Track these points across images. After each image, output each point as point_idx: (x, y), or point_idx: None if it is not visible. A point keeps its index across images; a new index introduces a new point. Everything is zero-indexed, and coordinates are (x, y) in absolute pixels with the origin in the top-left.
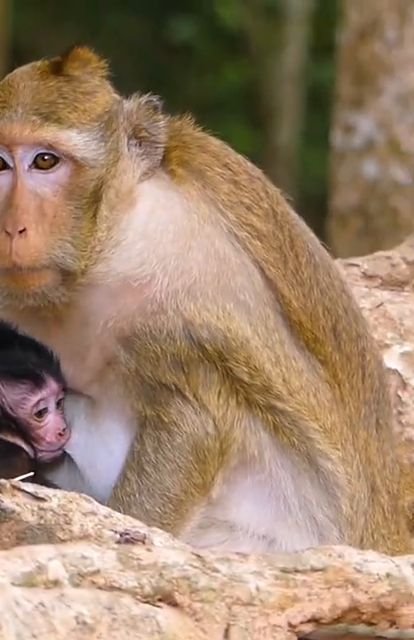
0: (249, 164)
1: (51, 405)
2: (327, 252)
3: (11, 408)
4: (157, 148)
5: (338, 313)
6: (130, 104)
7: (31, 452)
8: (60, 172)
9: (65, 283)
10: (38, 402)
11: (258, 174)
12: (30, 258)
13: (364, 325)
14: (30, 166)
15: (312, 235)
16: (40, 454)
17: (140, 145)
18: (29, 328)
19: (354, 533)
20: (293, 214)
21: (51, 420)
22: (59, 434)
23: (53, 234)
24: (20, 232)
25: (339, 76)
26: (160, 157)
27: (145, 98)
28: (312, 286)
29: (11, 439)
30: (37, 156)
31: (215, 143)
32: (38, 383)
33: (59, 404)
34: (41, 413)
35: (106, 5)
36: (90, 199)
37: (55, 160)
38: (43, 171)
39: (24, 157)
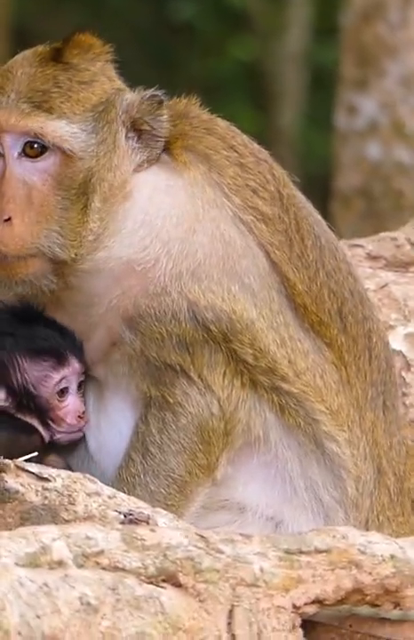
0: (256, 145)
1: (73, 386)
2: (333, 235)
3: (33, 386)
4: (158, 141)
5: (344, 295)
6: (133, 96)
7: (46, 435)
8: (49, 162)
9: (55, 271)
10: (60, 380)
11: (265, 156)
12: (15, 246)
13: (371, 307)
14: (20, 154)
15: (318, 217)
16: (58, 436)
17: (140, 137)
18: None
19: (359, 515)
20: (300, 196)
21: (72, 402)
22: (79, 416)
23: (39, 223)
24: (6, 221)
25: (343, 57)
26: (160, 150)
27: (149, 92)
28: (317, 269)
29: (28, 420)
30: (26, 144)
31: (222, 125)
32: (61, 361)
33: (79, 386)
34: (63, 393)
35: None
36: (79, 190)
37: (43, 149)
38: (31, 159)
39: (13, 145)
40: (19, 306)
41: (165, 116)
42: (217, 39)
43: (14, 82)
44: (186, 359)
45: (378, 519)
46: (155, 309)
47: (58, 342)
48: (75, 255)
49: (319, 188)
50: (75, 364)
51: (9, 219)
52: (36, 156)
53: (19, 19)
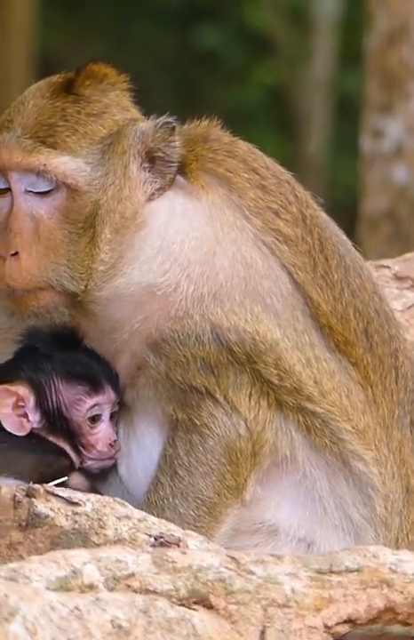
0: (278, 167)
1: (106, 414)
2: (359, 255)
3: (66, 408)
4: (171, 167)
5: (370, 315)
6: (146, 125)
7: (77, 460)
8: (56, 196)
9: (67, 302)
10: (93, 406)
11: (287, 178)
12: (23, 280)
13: (397, 327)
14: (27, 190)
15: (343, 237)
16: (88, 462)
17: (154, 166)
18: None
19: (389, 534)
20: (324, 217)
21: (104, 430)
22: (110, 444)
23: (47, 257)
24: (13, 255)
25: (368, 81)
26: (173, 176)
27: (162, 119)
28: (342, 289)
29: (60, 443)
30: (32, 179)
31: (243, 148)
32: (96, 388)
33: (112, 416)
34: (95, 420)
35: (131, 15)
36: (86, 223)
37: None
38: (39, 194)
39: (19, 181)
40: (62, 330)
41: (177, 142)
42: (241, 67)
43: (23, 115)
44: (211, 381)
45: (408, 538)
46: (179, 333)
47: (95, 370)
48: (86, 287)
49: (347, 214)
50: (110, 394)
51: (16, 253)
52: (45, 192)
53: (43, 49)
